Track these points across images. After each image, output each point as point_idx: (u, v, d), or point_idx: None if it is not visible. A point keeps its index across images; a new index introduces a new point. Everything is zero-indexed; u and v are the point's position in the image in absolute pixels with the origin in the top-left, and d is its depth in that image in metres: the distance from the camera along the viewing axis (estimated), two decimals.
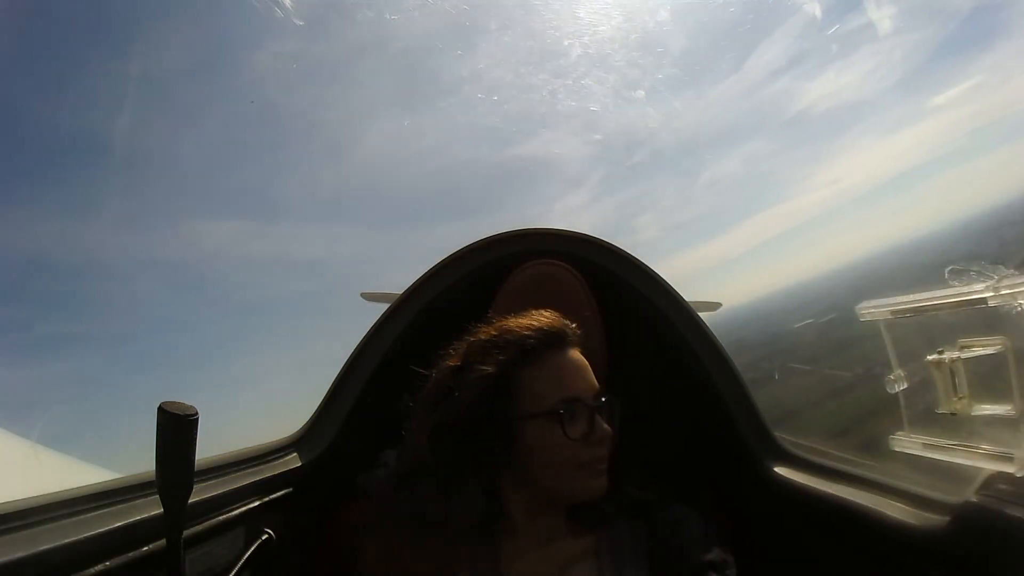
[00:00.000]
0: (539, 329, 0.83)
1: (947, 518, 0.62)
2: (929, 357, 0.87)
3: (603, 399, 0.83)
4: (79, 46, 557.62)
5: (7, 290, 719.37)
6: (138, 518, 0.67)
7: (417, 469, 0.80)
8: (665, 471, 0.98)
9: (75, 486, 0.70)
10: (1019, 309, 0.75)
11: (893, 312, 0.97)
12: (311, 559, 1.01)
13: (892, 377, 0.99)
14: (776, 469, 0.99)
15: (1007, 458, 0.70)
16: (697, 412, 1.17)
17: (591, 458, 0.80)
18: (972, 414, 0.83)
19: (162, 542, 0.65)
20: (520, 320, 0.85)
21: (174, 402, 0.60)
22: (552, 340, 0.83)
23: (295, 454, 1.08)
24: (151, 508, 0.68)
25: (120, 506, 0.70)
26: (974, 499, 0.60)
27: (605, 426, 0.81)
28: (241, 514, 0.86)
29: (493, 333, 0.85)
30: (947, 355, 0.85)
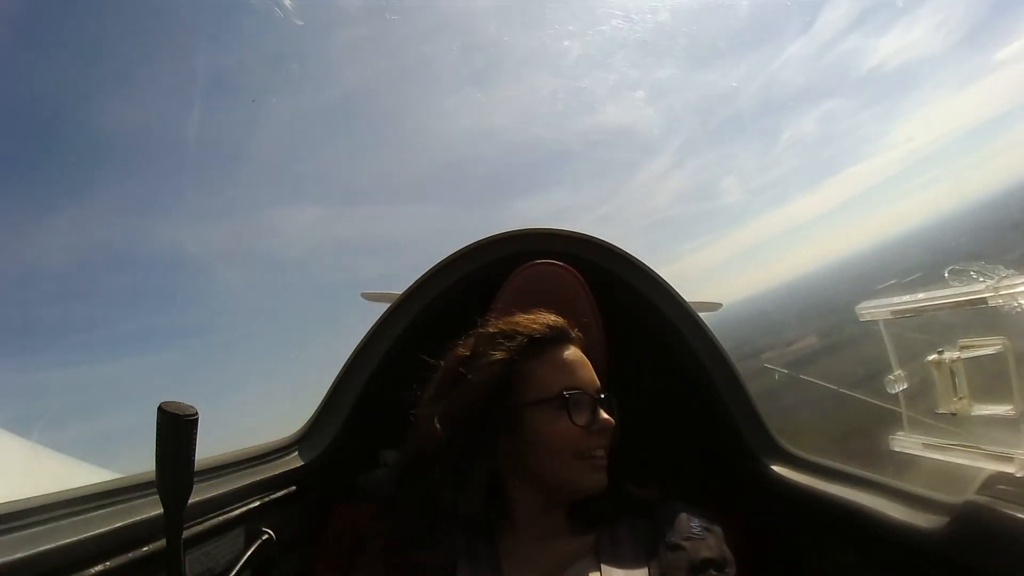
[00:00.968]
0: (546, 324, 0.88)
1: (947, 518, 0.62)
2: (929, 357, 0.87)
3: (604, 394, 0.87)
4: (149, 45, 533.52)
5: (87, 287, 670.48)
6: (138, 518, 0.67)
7: (428, 454, 0.81)
8: (665, 471, 0.98)
9: (75, 486, 0.70)
10: (1019, 309, 0.75)
11: (893, 312, 0.97)
12: (311, 559, 1.01)
13: (892, 377, 0.99)
14: (776, 469, 0.99)
15: (1007, 458, 0.70)
16: (697, 412, 1.17)
17: (592, 446, 0.83)
18: (972, 414, 0.83)
19: (162, 542, 0.65)
20: (527, 316, 0.90)
21: (174, 402, 0.60)
22: (558, 335, 0.88)
23: (295, 454, 1.08)
24: (151, 508, 0.68)
25: (120, 506, 0.70)
26: (974, 499, 0.60)
27: (607, 416, 0.84)
28: (241, 514, 0.86)
29: (501, 326, 0.89)
30: (947, 355, 0.85)
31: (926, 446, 0.90)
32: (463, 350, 0.88)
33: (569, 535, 0.84)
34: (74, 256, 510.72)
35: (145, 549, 0.67)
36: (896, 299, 0.96)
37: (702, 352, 1.14)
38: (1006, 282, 0.77)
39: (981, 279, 0.80)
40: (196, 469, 0.63)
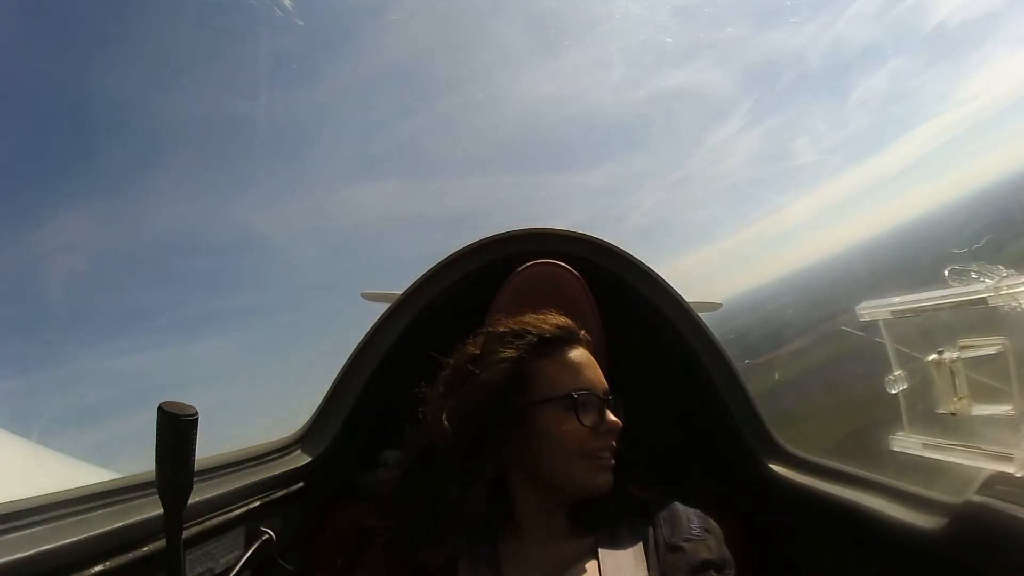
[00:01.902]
0: (556, 325, 0.89)
1: (947, 518, 0.62)
2: (929, 357, 0.87)
3: (611, 396, 0.87)
4: (214, 32, 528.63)
5: (169, 272, 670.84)
6: (138, 518, 0.67)
7: (435, 451, 0.81)
8: (665, 471, 0.98)
9: (75, 486, 0.70)
10: (1019, 309, 0.75)
11: (893, 312, 0.97)
12: (311, 559, 1.01)
13: (892, 377, 0.99)
14: (776, 469, 0.99)
15: (1007, 458, 0.70)
16: (697, 412, 1.17)
17: (599, 447, 0.83)
18: (972, 414, 0.83)
19: (162, 542, 0.65)
20: (537, 316, 0.90)
21: (174, 402, 0.60)
22: (568, 336, 0.89)
23: (295, 454, 1.08)
24: (151, 508, 0.68)
25: (120, 506, 0.70)
26: (974, 499, 0.59)
27: (614, 418, 0.85)
28: (241, 514, 0.86)
29: (511, 325, 0.89)
30: (947, 355, 0.85)
31: (926, 446, 0.90)
32: (473, 348, 0.88)
33: (569, 536, 0.84)
34: (155, 242, 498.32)
35: (145, 549, 0.67)
36: (896, 299, 0.96)
37: (702, 352, 1.14)
38: (1006, 282, 0.77)
39: (981, 279, 0.80)
40: (196, 469, 0.63)
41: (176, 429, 0.60)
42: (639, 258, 1.21)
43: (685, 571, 0.76)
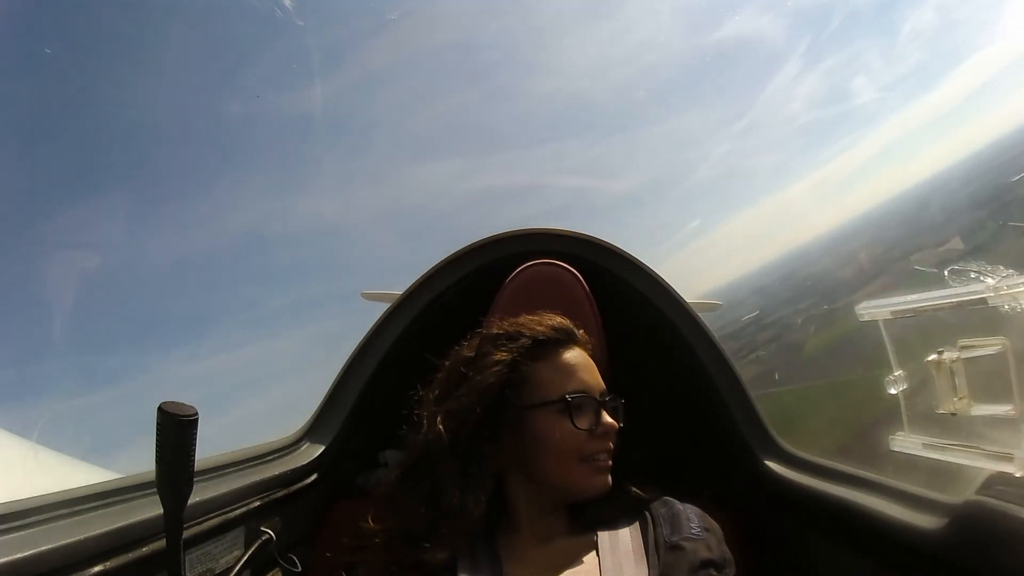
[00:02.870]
0: (551, 326, 0.88)
1: (947, 518, 0.62)
2: (929, 357, 0.88)
3: (608, 397, 0.86)
4: (260, 28, 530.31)
5: (248, 272, 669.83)
6: (138, 518, 0.67)
7: (432, 454, 0.81)
8: (665, 471, 0.98)
9: (75, 486, 0.70)
10: (1019, 309, 0.75)
11: (893, 312, 0.97)
12: (311, 559, 1.01)
13: (892, 377, 0.99)
14: (775, 468, 0.99)
15: (1007, 458, 0.70)
16: (697, 412, 1.17)
17: (596, 450, 0.83)
18: (972, 414, 0.83)
19: (162, 542, 0.65)
20: (532, 317, 0.90)
21: (174, 402, 0.60)
22: (564, 337, 0.88)
23: (295, 454, 1.07)
24: (151, 508, 0.68)
25: (120, 506, 0.70)
26: (974, 499, 0.59)
27: (611, 420, 0.84)
28: (241, 514, 0.86)
29: (506, 327, 0.88)
30: (947, 355, 0.85)
31: (926, 446, 0.90)
32: (467, 351, 0.88)
33: (569, 536, 0.84)
34: (230, 243, 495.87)
35: (145, 549, 0.67)
36: (896, 299, 0.96)
37: (702, 352, 1.14)
38: (1006, 282, 0.77)
39: (981, 279, 0.80)
40: (196, 469, 0.63)
41: (176, 429, 0.60)
42: (639, 258, 1.21)
43: (685, 570, 0.75)
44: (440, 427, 0.81)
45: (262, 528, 0.89)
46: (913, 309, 0.94)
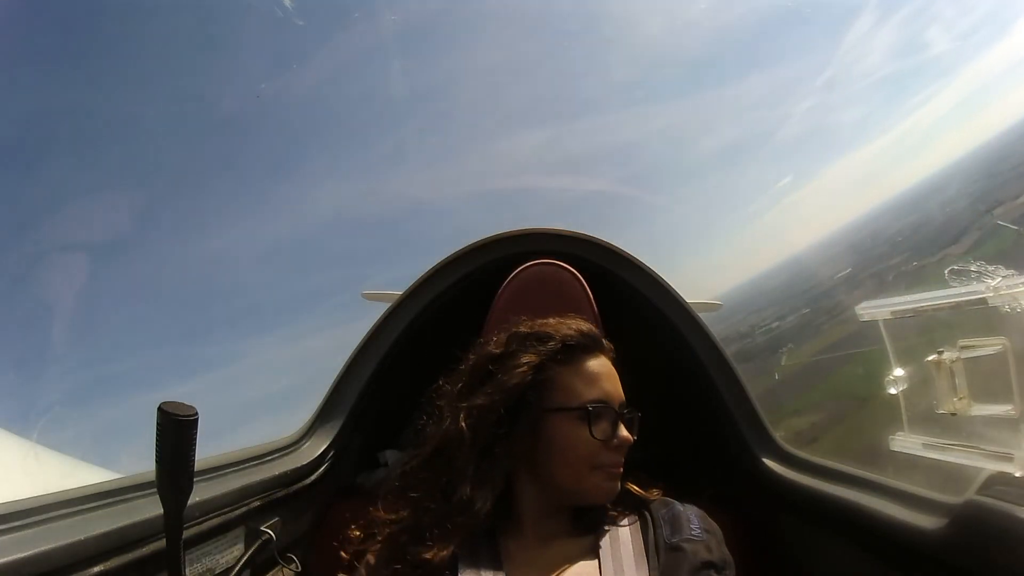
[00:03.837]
0: (580, 331, 0.87)
1: (947, 518, 0.62)
2: (929, 357, 0.88)
3: (626, 410, 0.86)
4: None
5: (340, 252, 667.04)
6: (138, 518, 0.67)
7: (450, 448, 0.81)
8: (665, 471, 0.98)
9: (75, 486, 0.70)
10: (1019, 309, 0.75)
11: (893, 312, 0.97)
12: (311, 559, 1.01)
13: (892, 377, 0.99)
14: (776, 469, 0.99)
15: (1007, 458, 0.70)
16: (697, 412, 1.17)
17: (608, 462, 0.82)
18: (972, 414, 0.83)
19: (162, 542, 0.65)
20: (560, 321, 0.89)
21: (174, 402, 0.60)
22: (590, 344, 0.87)
23: (295, 454, 1.07)
24: (151, 508, 0.68)
25: (120, 506, 0.70)
26: (974, 499, 0.59)
27: (627, 433, 0.84)
28: (241, 514, 0.86)
29: (536, 327, 0.88)
30: (947, 355, 0.85)
31: (926, 446, 0.90)
32: (494, 348, 0.87)
33: (571, 536, 0.84)
34: (320, 228, 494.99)
35: (145, 549, 0.67)
36: (896, 299, 0.97)
37: (702, 352, 1.14)
38: (1006, 282, 0.77)
39: (981, 279, 0.80)
40: (196, 469, 0.63)
41: (176, 429, 0.60)
42: (639, 258, 1.21)
43: (685, 572, 0.75)
44: (463, 423, 0.81)
45: (262, 528, 0.89)
46: (913, 309, 0.94)
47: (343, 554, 0.88)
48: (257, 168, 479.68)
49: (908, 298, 0.95)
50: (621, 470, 0.84)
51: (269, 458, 1.03)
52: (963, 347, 0.84)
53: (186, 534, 0.66)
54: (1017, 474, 0.63)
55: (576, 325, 0.88)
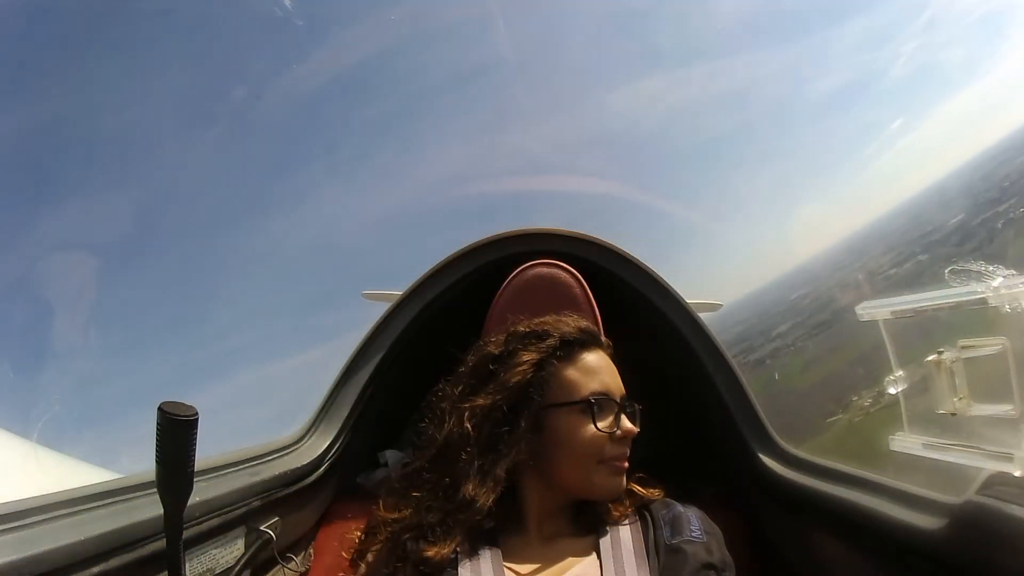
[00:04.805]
0: (578, 327, 0.89)
1: (947, 518, 0.62)
2: (929, 357, 0.88)
3: (628, 403, 0.87)
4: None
5: (455, 217, 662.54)
6: (138, 518, 0.67)
7: (453, 448, 0.81)
8: (666, 471, 0.98)
9: (75, 486, 0.70)
10: (1019, 309, 0.75)
11: (893, 312, 0.97)
12: (311, 559, 1.01)
13: (892, 377, 0.99)
14: (776, 469, 0.99)
15: (1007, 458, 0.70)
16: (697, 412, 1.17)
17: (614, 454, 0.83)
18: (972, 414, 0.83)
19: (162, 542, 0.65)
20: (558, 318, 0.91)
21: (174, 402, 0.60)
22: (588, 339, 0.89)
23: (295, 454, 1.07)
24: (151, 508, 0.68)
25: (120, 506, 0.70)
26: (974, 499, 0.59)
27: (630, 425, 0.85)
28: (241, 514, 0.86)
29: (533, 326, 0.89)
30: (947, 355, 0.85)
31: (926, 446, 0.90)
32: (494, 348, 0.88)
33: (572, 535, 0.84)
34: (441, 186, 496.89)
35: (145, 549, 0.67)
36: (896, 299, 0.97)
37: (702, 352, 1.14)
38: (1006, 282, 0.77)
39: (981, 279, 0.80)
40: (196, 469, 0.63)
41: (176, 429, 0.60)
42: (640, 258, 1.21)
43: (685, 573, 0.75)
44: (467, 424, 0.81)
45: (262, 528, 0.89)
46: (913, 309, 0.94)
47: (344, 554, 0.88)
48: (380, 137, 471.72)
49: (908, 298, 0.95)
50: (627, 464, 0.85)
51: (269, 458, 1.03)
52: (963, 347, 0.84)
53: (186, 534, 0.66)
54: (1017, 474, 0.63)
55: (573, 322, 0.90)
